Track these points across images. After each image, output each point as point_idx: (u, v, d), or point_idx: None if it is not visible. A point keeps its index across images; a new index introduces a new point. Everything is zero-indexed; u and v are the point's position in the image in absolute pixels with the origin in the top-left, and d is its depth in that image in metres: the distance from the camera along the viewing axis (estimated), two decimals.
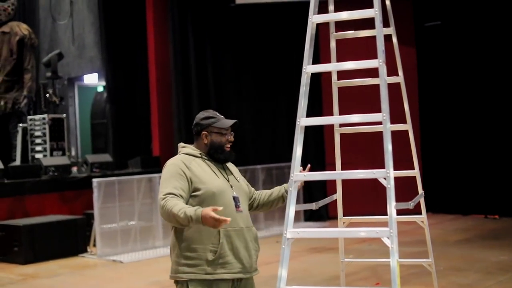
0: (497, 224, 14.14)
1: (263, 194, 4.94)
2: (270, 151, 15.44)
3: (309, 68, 4.42)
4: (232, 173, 4.74)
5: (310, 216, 14.92)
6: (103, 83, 17.48)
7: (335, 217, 14.05)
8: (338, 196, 5.99)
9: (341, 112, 5.74)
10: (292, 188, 4.51)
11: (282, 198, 4.91)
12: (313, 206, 5.18)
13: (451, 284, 8.72)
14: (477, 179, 15.40)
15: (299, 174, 4.54)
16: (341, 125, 5.86)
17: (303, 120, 4.48)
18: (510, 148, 15.01)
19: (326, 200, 5.56)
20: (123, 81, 16.23)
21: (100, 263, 11.41)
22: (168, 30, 15.09)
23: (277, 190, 4.94)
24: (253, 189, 4.95)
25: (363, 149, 13.97)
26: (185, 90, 14.88)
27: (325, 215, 14.95)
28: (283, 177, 14.20)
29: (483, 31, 15.22)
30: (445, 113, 15.84)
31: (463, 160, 15.68)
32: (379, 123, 4.37)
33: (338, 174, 5.01)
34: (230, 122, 4.72)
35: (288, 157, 14.78)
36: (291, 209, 4.49)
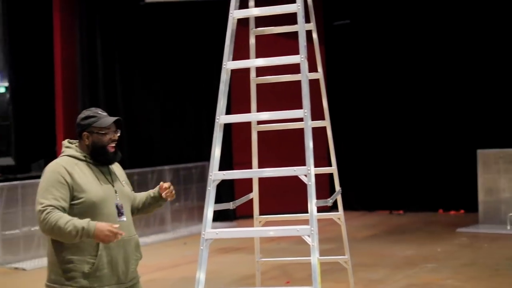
0: (402, 220, 14.47)
1: (138, 199, 4.67)
2: (178, 152, 15.28)
3: (229, 65, 4.34)
4: (118, 177, 4.48)
5: (217, 217, 14.78)
6: (6, 84, 16.89)
7: (242, 217, 14.23)
8: (255, 195, 5.93)
9: (253, 110, 5.68)
10: (210, 188, 4.41)
11: (157, 203, 4.66)
12: (231, 205, 5.10)
13: (361, 280, 8.81)
14: (381, 176, 15.75)
15: (218, 173, 4.45)
16: (258, 123, 5.81)
17: (222, 118, 4.40)
18: (413, 145, 15.41)
19: (243, 199, 5.49)
20: (26, 81, 15.71)
21: (1, 271, 10.99)
22: (75, 28, 14.68)
23: (150, 194, 4.67)
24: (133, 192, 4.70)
25: (271, 147, 13.98)
26: (91, 91, 14.52)
27: (232, 215, 14.88)
28: (190, 178, 14.07)
29: (391, 29, 15.59)
30: (351, 111, 16.10)
31: (368, 158, 16.00)
32: (297, 119, 4.33)
33: (259, 172, 4.95)
34: (111, 119, 4.39)
35: (196, 158, 14.76)
36: (210, 209, 4.39)
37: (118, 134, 4.47)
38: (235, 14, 4.43)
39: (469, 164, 13.60)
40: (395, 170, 15.56)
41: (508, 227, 12.43)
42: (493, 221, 12.72)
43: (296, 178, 4.31)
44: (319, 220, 4.25)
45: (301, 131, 4.30)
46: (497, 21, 14.57)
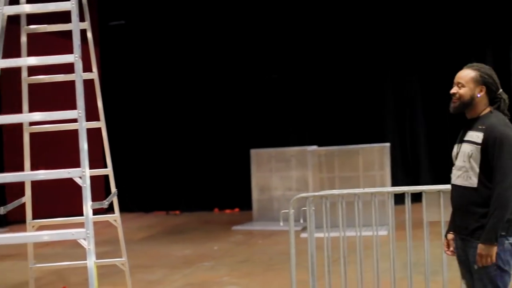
0: (179, 220, 14.64)
1: None
2: None
3: (0, 63, 4.15)
4: None
5: None
6: None
7: (14, 222, 13.68)
8: (27, 198, 5.72)
9: (25, 111, 5.48)
10: None
11: None
12: (1, 210, 4.89)
13: (139, 281, 8.79)
14: (157, 177, 15.84)
15: None
16: (31, 124, 5.60)
17: None
18: (189, 146, 15.64)
19: (15, 204, 5.28)
20: None
21: None
22: None
23: None
24: None
25: (46, 149, 13.56)
26: None
27: (3, 220, 14.25)
28: None
29: (165, 31, 15.73)
30: (126, 112, 16.02)
31: (144, 159, 16.01)
32: (72, 120, 4.25)
33: (31, 175, 4.78)
34: None
35: None
36: None
37: None
38: (5, 10, 4.24)
39: (243, 163, 14.01)
40: (171, 171, 15.71)
41: (281, 224, 12.88)
42: (267, 218, 13.19)
43: (71, 181, 4.22)
44: (95, 223, 4.20)
45: (76, 132, 4.22)
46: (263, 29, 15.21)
